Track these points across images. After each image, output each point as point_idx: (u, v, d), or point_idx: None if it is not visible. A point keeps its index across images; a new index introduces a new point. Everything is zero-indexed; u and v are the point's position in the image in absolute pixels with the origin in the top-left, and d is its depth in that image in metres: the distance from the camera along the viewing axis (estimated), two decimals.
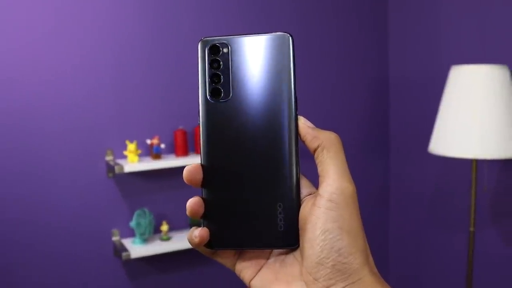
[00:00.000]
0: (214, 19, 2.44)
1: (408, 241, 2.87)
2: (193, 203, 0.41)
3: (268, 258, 0.43)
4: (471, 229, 2.02)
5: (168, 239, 2.30)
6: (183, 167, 2.44)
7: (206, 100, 0.42)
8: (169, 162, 2.20)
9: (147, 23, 2.31)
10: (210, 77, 0.42)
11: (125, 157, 2.32)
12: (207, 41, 0.42)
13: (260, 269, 0.43)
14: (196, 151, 2.32)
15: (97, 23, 2.22)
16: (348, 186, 0.39)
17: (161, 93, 2.36)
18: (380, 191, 2.95)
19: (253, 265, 0.43)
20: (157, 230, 2.42)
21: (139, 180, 2.36)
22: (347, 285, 0.38)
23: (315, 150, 0.41)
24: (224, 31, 2.46)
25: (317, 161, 0.41)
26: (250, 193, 0.41)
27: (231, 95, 0.41)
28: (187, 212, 0.41)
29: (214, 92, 0.42)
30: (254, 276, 0.43)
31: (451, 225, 2.59)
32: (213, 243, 0.42)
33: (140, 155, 2.34)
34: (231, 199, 0.41)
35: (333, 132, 0.41)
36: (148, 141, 2.25)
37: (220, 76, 0.42)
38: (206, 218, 0.42)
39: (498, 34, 2.26)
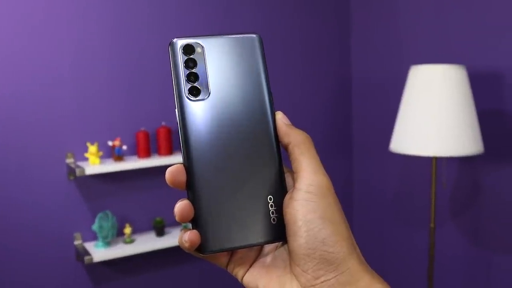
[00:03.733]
0: (176, 18, 2.42)
1: (371, 238, 2.91)
2: (182, 207, 0.39)
3: (259, 254, 0.43)
4: (431, 225, 2.07)
5: (131, 241, 2.27)
6: (146, 169, 2.42)
7: (184, 100, 0.41)
8: (132, 163, 2.17)
9: (107, 23, 2.27)
10: (187, 76, 0.41)
11: (86, 159, 2.28)
12: (179, 41, 0.42)
13: (252, 264, 0.43)
14: (158, 152, 2.30)
15: (56, 22, 2.17)
16: (323, 178, 0.40)
17: (122, 94, 2.33)
18: (343, 189, 2.98)
19: (245, 261, 0.43)
20: (120, 233, 2.38)
21: (101, 182, 2.32)
22: (336, 275, 0.38)
23: (286, 147, 0.42)
24: (186, 31, 2.44)
25: (290, 158, 0.41)
26: (239, 189, 0.41)
27: (209, 93, 0.42)
28: (177, 218, 0.39)
29: (192, 91, 0.41)
30: (246, 272, 0.43)
31: (413, 221, 2.64)
32: (206, 247, 0.40)
33: (101, 157, 2.30)
34: (220, 198, 0.40)
35: (304, 132, 0.42)
36: (110, 143, 2.22)
37: (197, 75, 0.42)
38: (196, 221, 0.40)
39: (455, 35, 2.31)
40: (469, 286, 2.37)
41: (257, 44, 0.43)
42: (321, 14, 2.81)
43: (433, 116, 1.88)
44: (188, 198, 0.40)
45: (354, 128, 2.96)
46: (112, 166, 2.13)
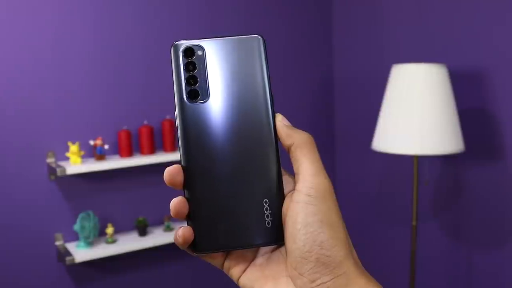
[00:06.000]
0: (158, 17, 2.41)
1: (353, 236, 2.93)
2: (176, 202, 0.40)
3: (255, 255, 0.44)
4: (413, 223, 2.08)
5: (113, 241, 2.25)
6: (128, 168, 2.40)
7: (183, 102, 0.42)
8: (113, 163, 2.15)
9: (88, 21, 2.25)
10: (186, 79, 0.42)
11: (67, 158, 2.25)
12: (181, 44, 0.43)
13: (248, 266, 0.43)
14: (141, 151, 2.29)
15: (37, 20, 2.14)
16: (324, 181, 0.40)
17: (104, 93, 2.31)
18: None
19: (241, 263, 0.43)
20: (102, 233, 2.36)
21: (83, 182, 2.30)
22: (332, 278, 0.38)
23: (289, 149, 0.42)
24: (167, 29, 2.43)
25: (292, 160, 0.41)
26: (235, 191, 0.41)
27: (208, 96, 0.42)
28: (171, 213, 0.40)
29: (192, 94, 0.42)
30: (242, 274, 0.43)
31: (395, 219, 2.66)
32: (200, 246, 0.41)
33: (83, 157, 2.28)
34: (215, 199, 0.41)
35: (306, 133, 0.42)
36: (91, 142, 2.20)
37: (197, 78, 0.42)
38: (191, 219, 0.41)
39: (437, 34, 2.33)
40: (451, 283, 2.39)
41: (259, 45, 0.43)
42: (303, 13, 2.82)
43: (415, 115, 1.89)
44: (185, 197, 0.41)
45: (336, 127, 2.97)
46: (94, 166, 2.11)
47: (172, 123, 2.33)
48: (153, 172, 2.46)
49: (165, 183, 2.49)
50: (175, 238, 0.41)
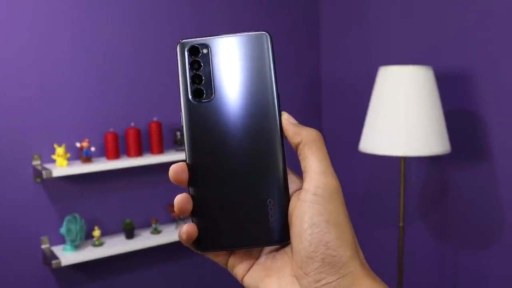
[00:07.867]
0: (142, 17, 2.40)
1: None
2: (180, 199, 0.40)
3: (259, 255, 0.43)
4: (401, 224, 2.09)
5: (100, 244, 2.24)
6: (115, 171, 2.38)
7: (188, 101, 0.42)
8: (100, 165, 2.14)
9: (73, 22, 2.24)
10: (191, 78, 0.42)
11: (53, 161, 2.23)
12: (186, 42, 0.42)
13: (252, 265, 0.43)
14: (127, 153, 2.27)
15: (21, 21, 2.13)
16: (332, 180, 0.39)
17: (90, 94, 2.29)
18: None
19: (245, 262, 0.43)
20: (88, 236, 2.35)
21: (69, 184, 2.28)
22: (337, 278, 0.38)
23: (297, 147, 0.41)
24: (154, 30, 2.42)
25: (300, 157, 0.41)
26: (239, 191, 0.41)
27: (213, 95, 0.42)
28: (175, 209, 0.40)
29: (196, 93, 0.42)
30: (246, 273, 0.43)
31: (382, 221, 2.67)
32: (203, 244, 0.41)
33: (69, 159, 2.26)
34: (220, 197, 0.41)
35: (314, 129, 0.41)
36: (78, 144, 2.18)
37: (202, 77, 0.42)
38: (195, 217, 0.41)
39: (423, 36, 2.35)
40: (438, 283, 2.41)
41: (265, 42, 0.43)
42: (291, 14, 2.82)
43: (402, 116, 1.91)
44: (190, 194, 0.42)
45: (323, 128, 2.98)
46: (80, 168, 2.10)
47: (159, 125, 2.32)
48: (140, 174, 2.45)
49: (152, 185, 2.48)
50: (179, 235, 0.41)
